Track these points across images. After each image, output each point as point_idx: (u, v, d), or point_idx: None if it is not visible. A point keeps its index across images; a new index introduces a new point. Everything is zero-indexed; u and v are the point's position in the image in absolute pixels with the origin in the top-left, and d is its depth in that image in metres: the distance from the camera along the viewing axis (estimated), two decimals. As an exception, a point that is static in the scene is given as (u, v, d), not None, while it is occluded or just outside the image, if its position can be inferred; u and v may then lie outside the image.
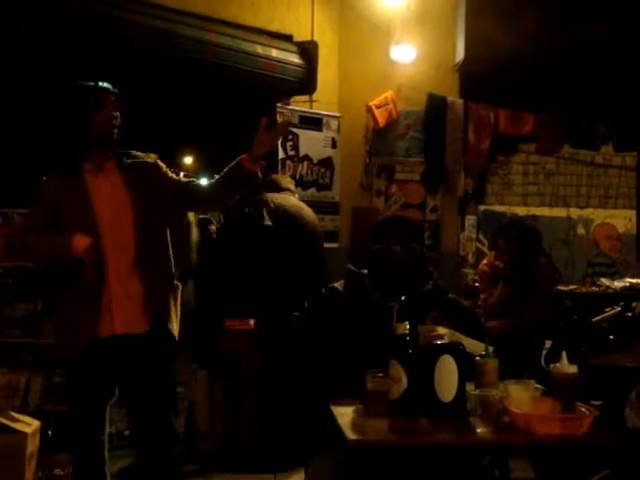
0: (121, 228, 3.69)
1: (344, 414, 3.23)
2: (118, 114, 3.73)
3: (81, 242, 3.56)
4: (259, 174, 3.78)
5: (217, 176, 3.81)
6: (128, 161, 3.79)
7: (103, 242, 3.63)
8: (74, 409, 3.83)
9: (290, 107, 7.19)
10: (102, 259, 3.60)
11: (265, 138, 3.73)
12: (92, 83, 3.77)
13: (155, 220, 3.78)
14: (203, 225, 6.64)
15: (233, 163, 3.74)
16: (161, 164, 3.90)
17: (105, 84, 3.78)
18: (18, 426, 4.76)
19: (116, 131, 3.73)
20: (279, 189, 6.20)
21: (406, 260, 3.72)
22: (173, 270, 3.85)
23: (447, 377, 3.12)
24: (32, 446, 4.80)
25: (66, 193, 3.69)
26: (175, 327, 3.82)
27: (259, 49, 6.74)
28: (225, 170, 3.77)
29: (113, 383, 3.81)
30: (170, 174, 3.89)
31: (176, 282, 3.89)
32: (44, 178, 3.79)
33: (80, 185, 3.69)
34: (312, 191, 7.17)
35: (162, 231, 3.82)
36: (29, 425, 4.84)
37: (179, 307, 3.89)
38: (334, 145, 7.38)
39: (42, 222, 3.70)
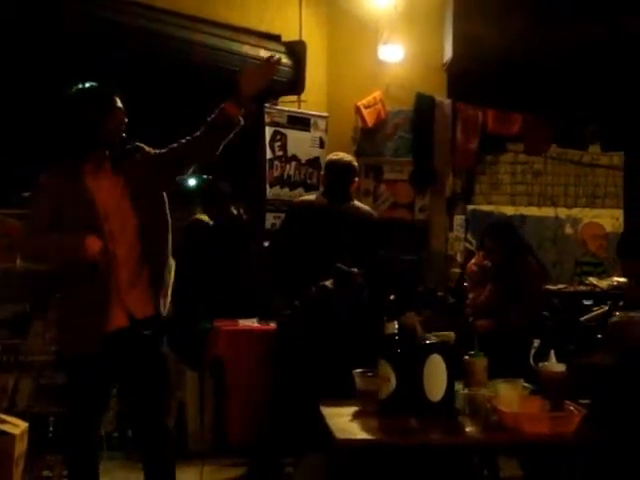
0: (125, 223, 3.70)
1: (333, 414, 3.23)
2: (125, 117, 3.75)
3: (93, 245, 3.59)
4: (241, 120, 3.72)
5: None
6: (118, 152, 3.78)
7: (110, 240, 3.66)
8: (76, 409, 3.81)
9: (278, 107, 7.18)
10: (109, 259, 3.65)
11: (252, 76, 3.68)
12: (98, 86, 3.76)
13: (155, 205, 3.80)
14: (194, 225, 6.64)
15: (217, 110, 3.70)
16: (142, 145, 3.87)
17: (111, 88, 3.79)
18: (6, 428, 4.75)
19: (122, 134, 3.75)
20: None
21: (412, 268, 3.77)
22: (170, 251, 3.87)
23: (436, 376, 3.12)
24: (20, 448, 4.78)
25: (67, 193, 3.69)
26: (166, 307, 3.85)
27: (247, 49, 6.73)
28: (209, 118, 3.75)
29: (115, 381, 3.84)
30: (152, 150, 3.87)
31: (170, 262, 3.90)
32: (42, 178, 3.78)
33: (81, 185, 3.70)
34: (300, 191, 7.16)
35: (162, 214, 3.83)
36: (17, 427, 4.82)
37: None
38: (322, 145, 7.38)
39: (46, 223, 3.70)
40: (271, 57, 3.83)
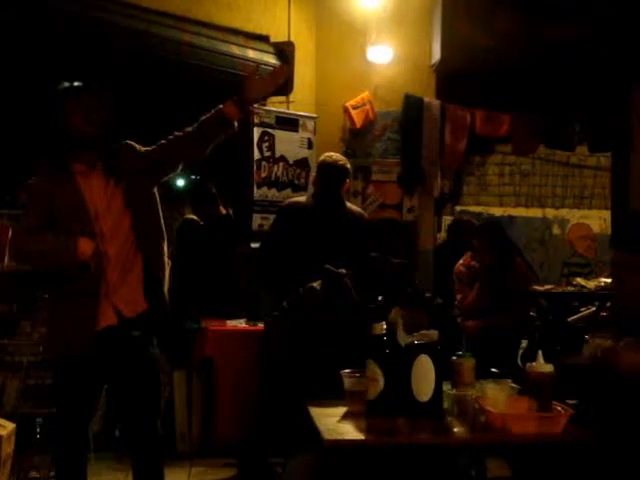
0: (117, 223, 3.70)
1: (321, 415, 3.23)
2: (100, 113, 3.71)
3: (86, 247, 3.59)
4: (236, 124, 3.71)
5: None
6: (109, 152, 3.78)
7: (100, 240, 3.65)
8: (64, 409, 3.79)
9: (266, 108, 7.17)
10: (100, 259, 3.64)
11: (260, 83, 3.68)
12: (67, 84, 3.75)
13: (148, 204, 3.80)
14: (188, 224, 6.64)
15: (215, 108, 3.70)
16: (132, 143, 3.86)
17: (79, 84, 3.76)
18: (-7, 428, 4.73)
19: (94, 130, 3.70)
20: None
21: (399, 269, 3.78)
22: (166, 249, 3.86)
23: (424, 377, 3.13)
24: (7, 449, 4.76)
25: (58, 194, 3.68)
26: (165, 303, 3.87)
27: (235, 50, 6.72)
28: (204, 116, 3.75)
29: (105, 381, 3.83)
30: (142, 148, 3.86)
31: (167, 260, 3.91)
32: (32, 180, 3.77)
33: (71, 185, 3.68)
34: (288, 192, 7.15)
35: (156, 212, 3.83)
36: (4, 428, 4.80)
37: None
38: (310, 146, 7.37)
39: (39, 224, 3.69)
40: (281, 66, 3.82)
